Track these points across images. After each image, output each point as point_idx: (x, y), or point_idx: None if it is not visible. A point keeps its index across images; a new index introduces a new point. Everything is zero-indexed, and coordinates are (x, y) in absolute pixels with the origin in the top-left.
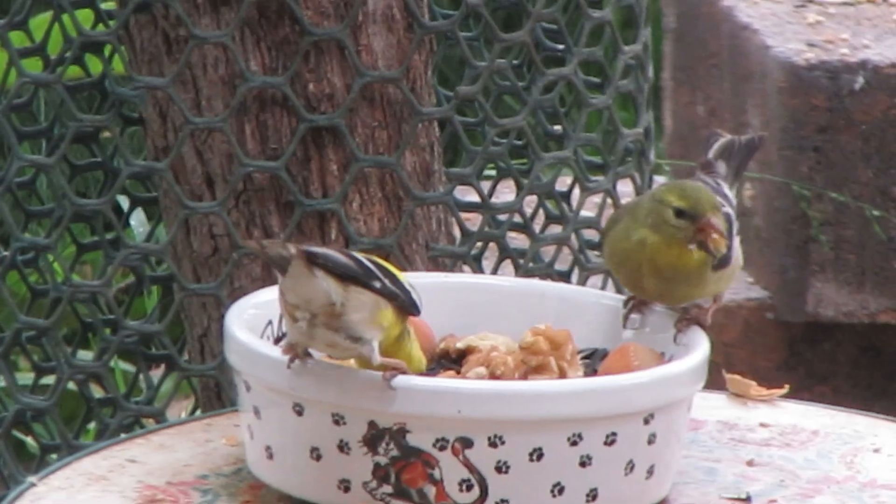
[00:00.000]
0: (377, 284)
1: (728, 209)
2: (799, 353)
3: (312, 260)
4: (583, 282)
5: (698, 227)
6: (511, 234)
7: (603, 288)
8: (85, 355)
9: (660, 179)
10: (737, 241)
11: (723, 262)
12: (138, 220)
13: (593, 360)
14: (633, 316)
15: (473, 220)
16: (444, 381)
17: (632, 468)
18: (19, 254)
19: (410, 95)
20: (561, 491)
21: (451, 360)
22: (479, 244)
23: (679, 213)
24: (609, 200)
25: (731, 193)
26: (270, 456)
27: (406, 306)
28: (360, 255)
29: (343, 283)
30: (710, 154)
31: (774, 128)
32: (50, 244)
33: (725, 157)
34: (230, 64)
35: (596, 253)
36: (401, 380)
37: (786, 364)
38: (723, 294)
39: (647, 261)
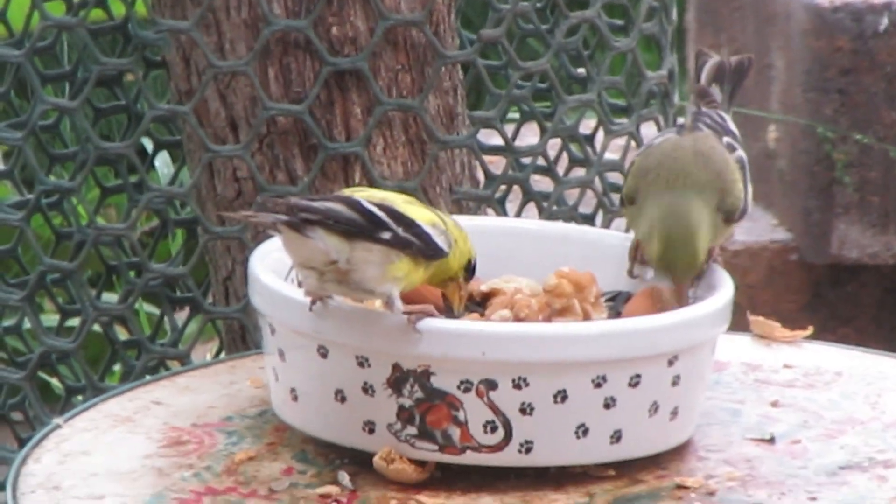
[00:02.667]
0: (386, 236)
1: (740, 152)
2: (823, 294)
3: (301, 227)
4: (607, 224)
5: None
6: (535, 177)
7: (626, 231)
8: (109, 298)
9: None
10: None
11: (741, 214)
12: (163, 161)
13: (617, 303)
14: (638, 269)
15: (497, 164)
16: (469, 324)
17: (656, 410)
18: (43, 197)
19: (434, 39)
20: (585, 432)
21: (475, 302)
22: (503, 187)
23: (658, 261)
24: (633, 143)
25: (733, 126)
26: (295, 398)
27: (423, 253)
28: (368, 203)
29: (348, 238)
30: (704, 79)
31: (798, 70)
32: (74, 187)
33: (719, 81)
34: (253, 7)
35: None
36: (426, 323)
37: (810, 305)
38: (733, 232)
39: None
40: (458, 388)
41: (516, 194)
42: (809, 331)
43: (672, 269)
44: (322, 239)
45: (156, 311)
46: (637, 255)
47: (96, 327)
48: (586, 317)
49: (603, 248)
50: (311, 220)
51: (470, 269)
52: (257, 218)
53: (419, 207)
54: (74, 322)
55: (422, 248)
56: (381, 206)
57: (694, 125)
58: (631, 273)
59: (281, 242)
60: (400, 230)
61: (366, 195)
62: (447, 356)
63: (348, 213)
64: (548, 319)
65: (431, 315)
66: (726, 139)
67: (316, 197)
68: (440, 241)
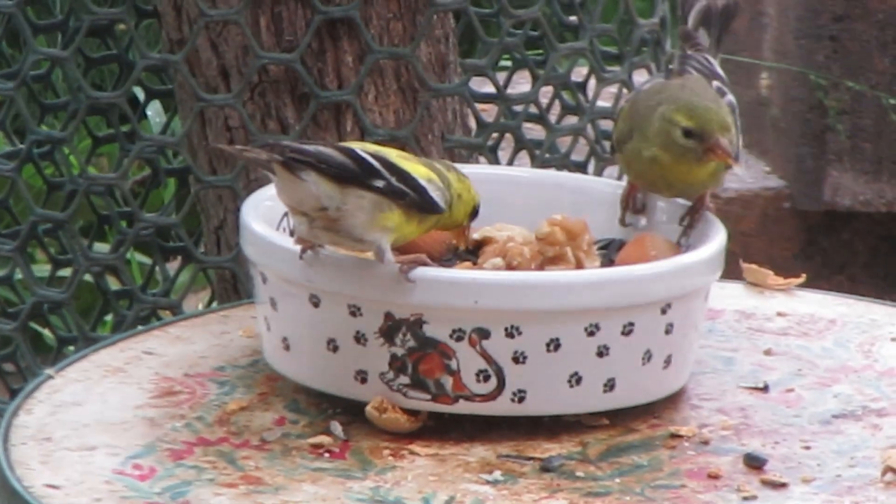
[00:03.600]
0: (379, 184)
1: (730, 96)
2: (816, 242)
3: (293, 166)
4: (599, 172)
5: (707, 147)
6: (527, 125)
7: (619, 178)
8: (101, 248)
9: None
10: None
11: (734, 159)
12: (155, 110)
13: (610, 251)
14: (630, 217)
15: (489, 111)
16: (461, 272)
17: (649, 358)
18: (35, 147)
19: None
20: (578, 381)
21: (467, 251)
22: (495, 135)
23: (687, 133)
24: (625, 91)
25: (721, 70)
26: (287, 347)
27: (417, 206)
28: (362, 151)
29: (340, 184)
30: (690, 23)
31: (790, 17)
32: (65, 137)
33: (706, 24)
34: None
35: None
36: (418, 271)
37: (803, 253)
38: (723, 178)
39: (660, 177)
40: (451, 336)
41: (508, 142)
42: (802, 278)
43: (707, 126)
44: (315, 183)
45: (147, 260)
46: (629, 202)
47: (88, 277)
48: (579, 265)
49: (595, 196)
50: (303, 161)
51: (474, 214)
52: (253, 153)
53: (415, 163)
54: (66, 272)
55: (416, 200)
56: (374, 156)
57: (682, 69)
58: (623, 221)
59: (274, 188)
60: (393, 179)
61: (359, 146)
62: (439, 305)
63: (340, 158)
64: (540, 267)
65: (424, 264)
66: (715, 83)
67: (308, 142)
68: (436, 196)
